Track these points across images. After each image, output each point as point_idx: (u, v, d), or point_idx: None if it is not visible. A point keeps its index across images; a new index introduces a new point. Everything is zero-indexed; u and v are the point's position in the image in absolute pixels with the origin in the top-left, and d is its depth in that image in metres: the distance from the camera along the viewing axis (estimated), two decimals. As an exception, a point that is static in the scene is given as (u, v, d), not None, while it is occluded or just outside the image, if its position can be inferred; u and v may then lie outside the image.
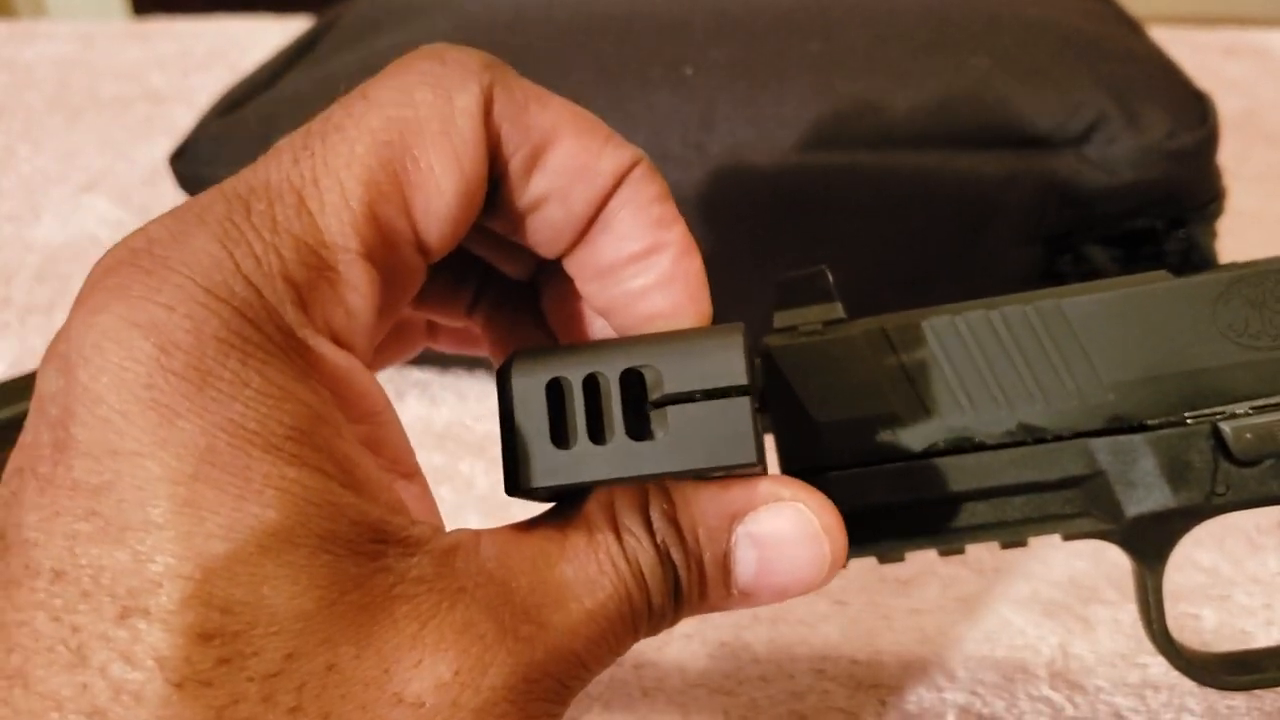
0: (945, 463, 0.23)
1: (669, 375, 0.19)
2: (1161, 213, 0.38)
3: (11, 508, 0.16)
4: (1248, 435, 0.23)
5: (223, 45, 0.82)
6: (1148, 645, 0.31)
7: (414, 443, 0.21)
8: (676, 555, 0.19)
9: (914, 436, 0.23)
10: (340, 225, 0.17)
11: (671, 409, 0.19)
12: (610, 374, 0.19)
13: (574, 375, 0.19)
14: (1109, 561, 0.34)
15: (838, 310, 0.24)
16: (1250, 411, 0.23)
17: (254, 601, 0.15)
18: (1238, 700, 0.30)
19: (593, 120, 0.20)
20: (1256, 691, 0.30)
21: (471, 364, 0.44)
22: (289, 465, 0.16)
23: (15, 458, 0.16)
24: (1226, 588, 0.33)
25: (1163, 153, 0.37)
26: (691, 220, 0.39)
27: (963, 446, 0.23)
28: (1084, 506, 0.24)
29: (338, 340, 0.17)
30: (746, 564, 0.19)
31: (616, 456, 0.19)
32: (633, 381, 0.19)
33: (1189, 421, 0.23)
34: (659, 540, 0.19)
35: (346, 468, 0.16)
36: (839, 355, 0.23)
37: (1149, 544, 0.24)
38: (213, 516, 0.15)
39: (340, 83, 0.45)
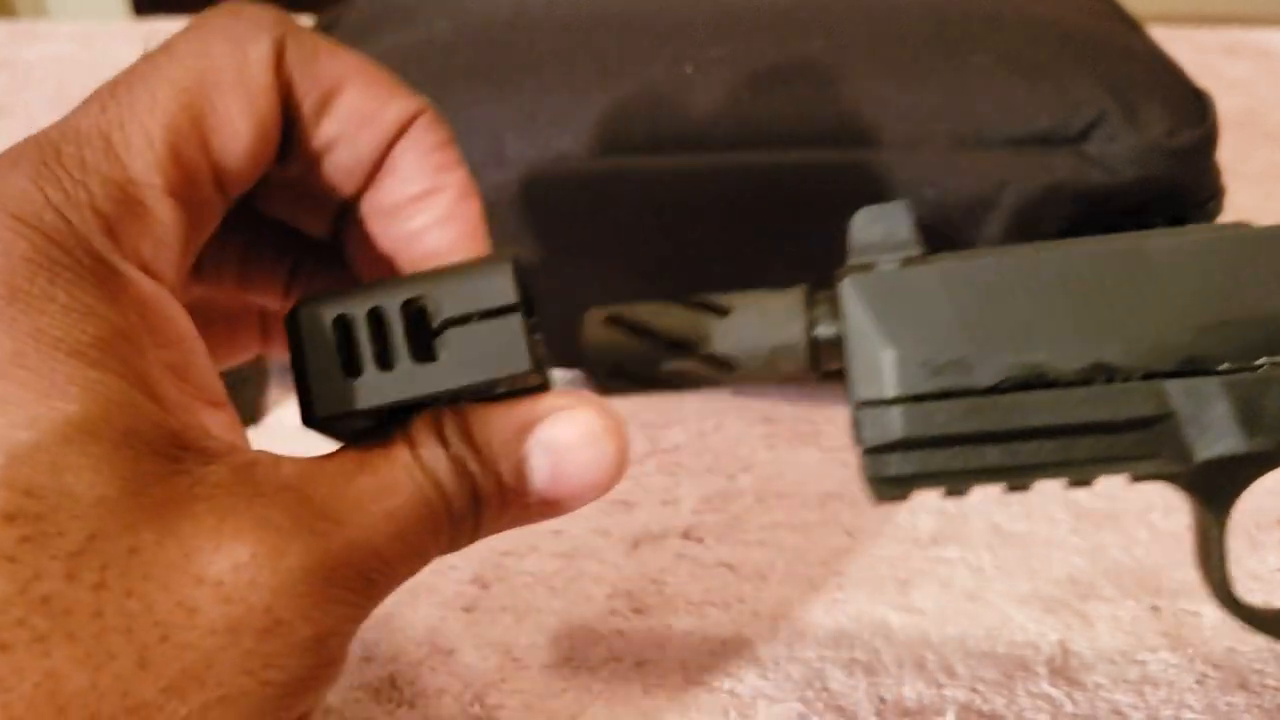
0: (1016, 398, 0.23)
1: (447, 303, 0.21)
2: (1161, 211, 0.38)
3: None
4: None
5: (224, 44, 0.82)
6: (1148, 642, 0.31)
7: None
8: (473, 465, 0.20)
9: (986, 371, 0.23)
10: (145, 164, 0.19)
11: (451, 332, 0.21)
12: (391, 306, 0.20)
13: (358, 310, 0.20)
14: (1107, 558, 0.34)
15: (915, 245, 0.24)
16: None
17: (56, 486, 0.17)
18: (1237, 697, 0.30)
19: (381, 71, 0.22)
20: (1256, 689, 0.30)
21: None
22: (91, 368, 0.17)
23: None
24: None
25: (1163, 151, 0.37)
26: (691, 219, 0.39)
27: (1034, 383, 0.23)
28: (1153, 449, 0.24)
29: (146, 269, 0.19)
30: (541, 470, 0.21)
31: (403, 380, 0.20)
32: (416, 314, 0.21)
33: (1265, 367, 0.23)
34: (453, 453, 0.20)
35: (149, 382, 0.18)
36: (916, 289, 0.23)
37: (1216, 489, 0.24)
38: (17, 410, 0.17)
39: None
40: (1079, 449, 0.24)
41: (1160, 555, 0.34)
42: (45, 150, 0.19)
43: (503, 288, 0.21)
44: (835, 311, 0.24)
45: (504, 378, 0.21)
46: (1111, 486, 0.37)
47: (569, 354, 0.43)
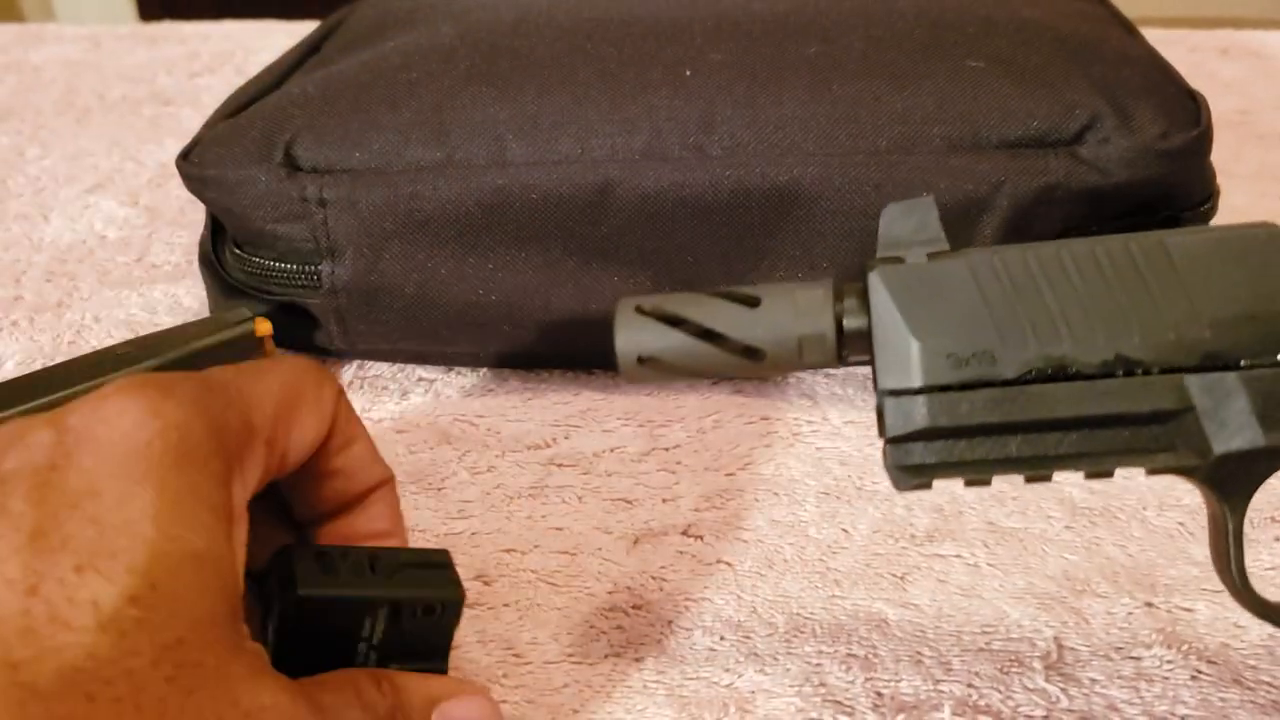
0: (1039, 389, 0.24)
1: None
2: (1155, 212, 0.38)
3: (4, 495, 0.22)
4: None
5: (229, 48, 0.83)
6: (1142, 638, 0.32)
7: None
8: (399, 716, 0.26)
9: (1010, 362, 0.24)
10: (262, 419, 0.25)
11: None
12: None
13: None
14: (1102, 554, 0.35)
15: (942, 241, 0.25)
16: None
17: (171, 592, 0.21)
18: (1231, 693, 0.30)
19: (371, 440, 0.30)
20: (1250, 685, 0.30)
21: (475, 361, 0.45)
22: (219, 524, 0.22)
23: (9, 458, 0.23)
24: (1220, 582, 0.34)
25: (1156, 153, 0.37)
26: (691, 221, 0.40)
27: (1057, 375, 0.24)
28: (1171, 442, 0.24)
29: (246, 493, 0.25)
30: None
31: (363, 584, 0.27)
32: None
33: None
34: (386, 700, 0.25)
35: (236, 562, 0.23)
36: (943, 281, 0.24)
37: (1233, 483, 0.25)
38: (167, 529, 0.21)
39: (345, 85, 0.45)
40: (1099, 441, 0.24)
41: (1155, 552, 0.35)
42: (209, 378, 0.25)
43: (449, 591, 0.28)
44: (863, 303, 0.25)
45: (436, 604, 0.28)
46: (1106, 483, 0.37)
47: (568, 351, 0.43)
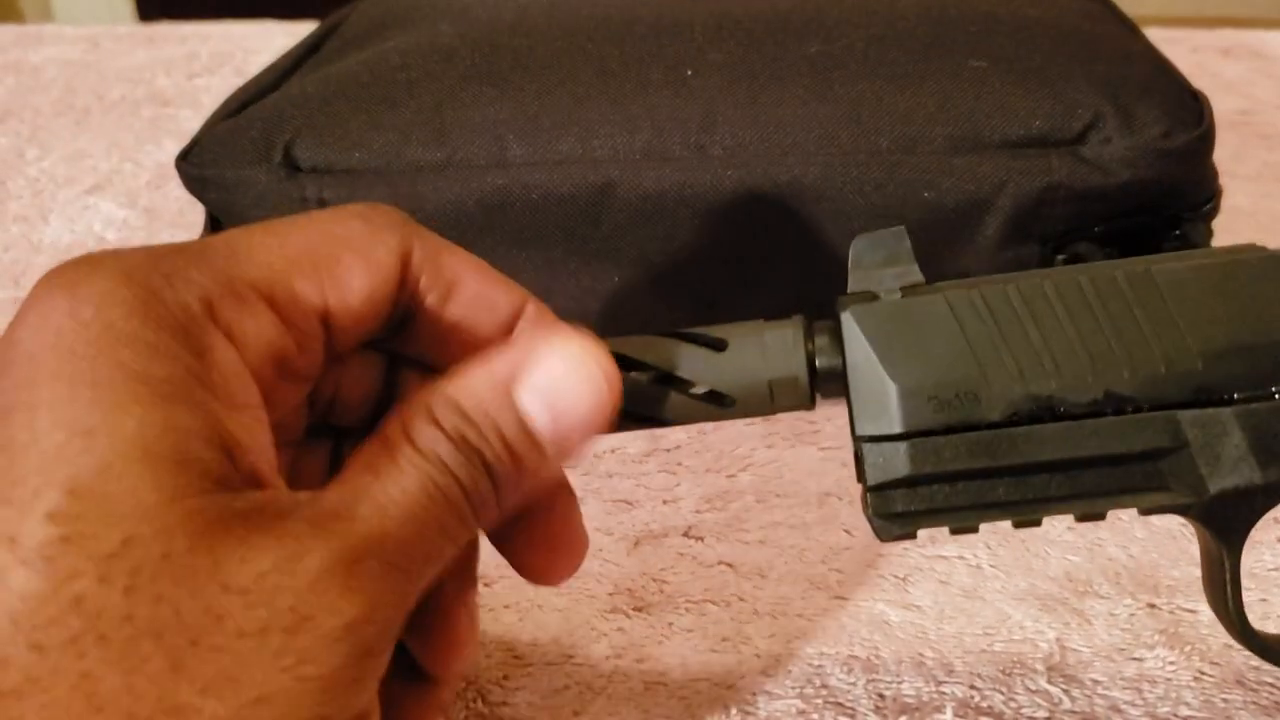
0: (1026, 431, 0.23)
1: None
2: (1157, 212, 0.38)
3: None
4: None
5: (228, 49, 0.83)
6: (1144, 639, 0.32)
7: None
8: (472, 435, 0.21)
9: (995, 403, 0.23)
10: (259, 275, 0.21)
11: None
12: None
13: None
14: (1104, 555, 0.34)
15: (915, 273, 0.24)
16: None
17: (99, 490, 0.18)
18: (1234, 694, 0.30)
19: (491, 269, 0.25)
20: (1253, 686, 0.30)
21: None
22: (157, 395, 0.19)
23: None
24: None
25: (1158, 153, 0.37)
26: (692, 221, 0.40)
27: (1045, 415, 0.23)
28: (1165, 480, 0.23)
29: (234, 345, 0.21)
30: (540, 415, 0.21)
31: None
32: None
33: (1278, 395, 0.23)
34: (450, 430, 0.21)
35: (211, 421, 0.20)
36: (920, 319, 0.23)
37: (1230, 521, 0.24)
38: (79, 423, 0.18)
39: (344, 85, 0.45)
40: (1089, 481, 0.23)
41: (1157, 553, 0.35)
42: (175, 244, 0.21)
43: None
44: (836, 342, 0.24)
45: None
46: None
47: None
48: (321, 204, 0.40)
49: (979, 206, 0.38)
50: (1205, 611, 0.32)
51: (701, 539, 0.36)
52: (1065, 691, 0.30)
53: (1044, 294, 0.23)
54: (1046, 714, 0.30)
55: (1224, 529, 0.24)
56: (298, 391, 0.23)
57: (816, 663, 0.31)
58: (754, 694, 0.31)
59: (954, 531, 0.24)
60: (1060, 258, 0.38)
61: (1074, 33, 0.42)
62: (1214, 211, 0.40)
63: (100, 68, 0.80)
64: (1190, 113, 0.39)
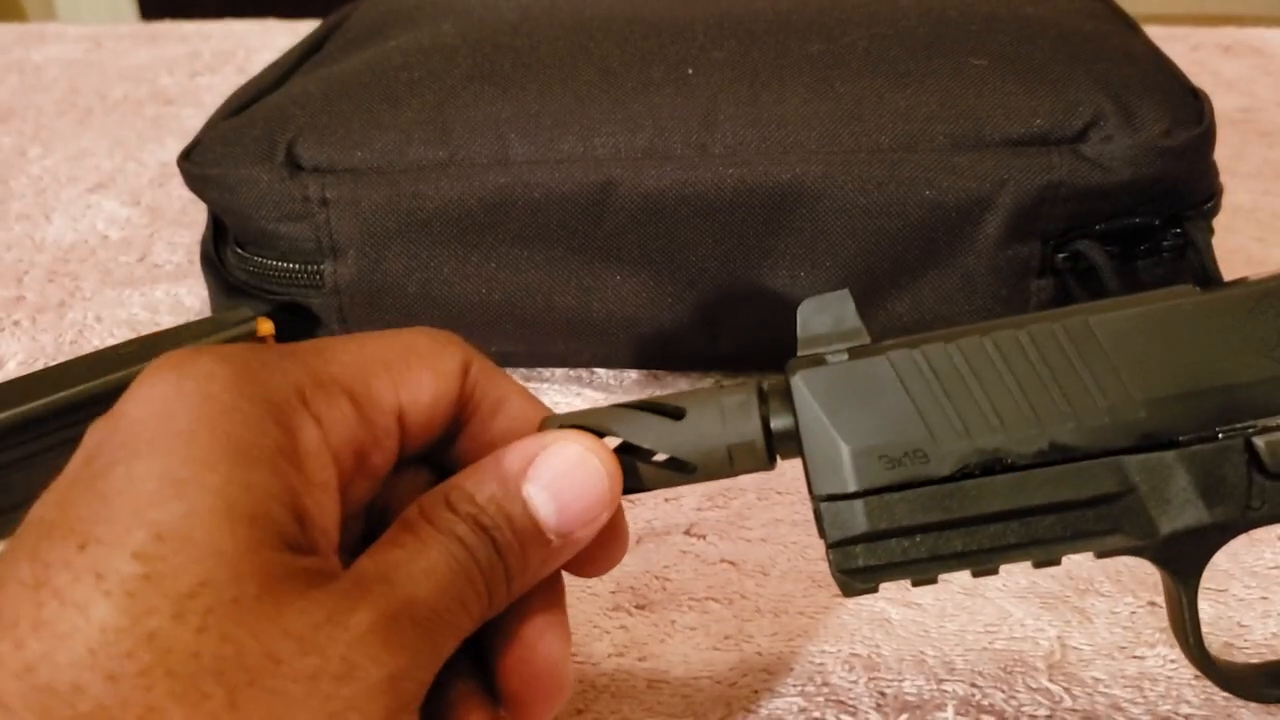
0: (977, 484, 0.23)
1: None
2: (1158, 210, 0.38)
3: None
4: None
5: (230, 47, 0.83)
6: (1145, 637, 0.32)
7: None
8: (485, 519, 0.23)
9: (945, 459, 0.23)
10: (342, 371, 0.24)
11: None
12: None
13: None
14: (1106, 554, 0.35)
15: (862, 334, 0.24)
16: None
17: (182, 534, 0.19)
18: (1235, 692, 0.30)
19: (528, 391, 0.27)
20: (1254, 684, 0.30)
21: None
22: (244, 460, 0.21)
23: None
24: (1224, 581, 0.34)
25: (1159, 150, 0.37)
26: (693, 219, 0.40)
27: (994, 467, 0.23)
28: (1117, 523, 0.24)
29: (325, 435, 0.23)
30: (545, 505, 0.24)
31: None
32: None
33: (1221, 437, 0.23)
34: (463, 513, 0.23)
35: (291, 491, 0.21)
36: (866, 382, 0.24)
37: (1184, 559, 0.24)
38: (173, 474, 0.20)
39: (346, 84, 0.45)
40: (1043, 528, 0.24)
41: (1158, 551, 0.35)
42: (271, 344, 0.23)
43: None
44: (789, 405, 0.24)
45: None
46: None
47: (570, 350, 0.43)
48: (324, 203, 0.40)
49: (980, 204, 0.38)
50: (1207, 610, 0.33)
51: (704, 537, 0.36)
52: (1066, 690, 0.30)
53: (984, 352, 0.24)
54: (1048, 712, 0.30)
55: (1178, 568, 0.25)
56: (369, 489, 0.25)
57: (818, 661, 0.32)
58: (756, 692, 0.31)
59: (914, 584, 0.25)
60: (1061, 255, 0.39)
61: (1075, 31, 0.42)
62: (1215, 209, 0.40)
63: (103, 67, 0.80)
64: (1191, 111, 0.39)
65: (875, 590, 0.24)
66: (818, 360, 0.24)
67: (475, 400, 0.26)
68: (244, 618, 0.19)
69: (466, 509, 0.23)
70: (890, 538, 0.24)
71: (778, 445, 0.24)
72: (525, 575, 0.24)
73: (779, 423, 0.24)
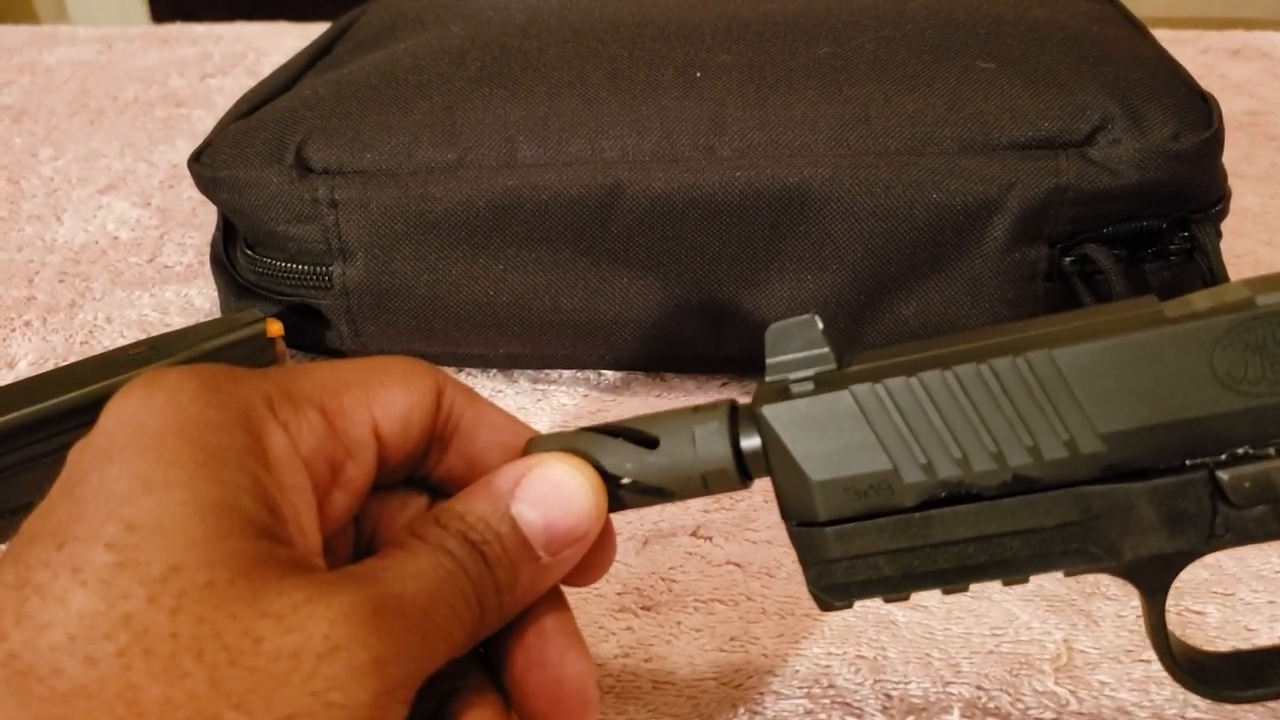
0: (942, 513, 0.24)
1: None
2: (1166, 213, 0.38)
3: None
4: (1246, 484, 0.23)
5: (241, 49, 0.83)
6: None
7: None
8: (474, 535, 0.24)
9: (909, 491, 0.24)
10: (313, 387, 0.24)
11: None
12: None
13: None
14: (1113, 558, 0.35)
15: (829, 359, 0.25)
16: (1248, 455, 0.23)
17: (152, 524, 0.20)
18: (1242, 696, 0.30)
19: (500, 408, 0.28)
20: (1261, 688, 0.30)
21: (485, 362, 0.45)
22: (213, 459, 0.21)
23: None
24: (1231, 585, 0.33)
25: (1167, 154, 0.37)
26: (701, 222, 0.40)
27: (958, 497, 0.24)
28: (1084, 546, 0.24)
29: (288, 436, 0.23)
30: (534, 523, 0.24)
31: None
32: None
33: (1185, 469, 0.23)
34: (452, 530, 0.23)
35: (261, 488, 0.22)
36: (830, 417, 0.24)
37: (1150, 579, 0.25)
38: (141, 472, 0.21)
39: (356, 87, 0.45)
40: (1010, 550, 0.24)
41: (1165, 555, 0.35)
42: (281, 343, 0.24)
43: None
44: (758, 427, 0.25)
45: None
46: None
47: (577, 352, 0.43)
48: (333, 205, 0.40)
49: (987, 208, 0.38)
50: (1214, 614, 0.33)
51: (710, 538, 0.36)
52: (1072, 693, 0.30)
53: (946, 386, 0.24)
54: (1054, 715, 0.30)
55: (1145, 586, 0.25)
56: (349, 504, 0.25)
57: (824, 662, 0.32)
58: (761, 693, 0.31)
59: (887, 600, 0.25)
60: (1069, 259, 0.38)
61: (1082, 35, 0.42)
62: (1223, 213, 0.40)
63: (114, 68, 0.80)
64: (1199, 114, 0.39)
65: (850, 606, 0.25)
66: (784, 390, 0.25)
67: (454, 418, 0.26)
68: (219, 600, 0.19)
69: (456, 525, 0.24)
70: (862, 558, 0.24)
71: (750, 465, 0.25)
72: (516, 591, 0.24)
73: (750, 444, 0.25)
